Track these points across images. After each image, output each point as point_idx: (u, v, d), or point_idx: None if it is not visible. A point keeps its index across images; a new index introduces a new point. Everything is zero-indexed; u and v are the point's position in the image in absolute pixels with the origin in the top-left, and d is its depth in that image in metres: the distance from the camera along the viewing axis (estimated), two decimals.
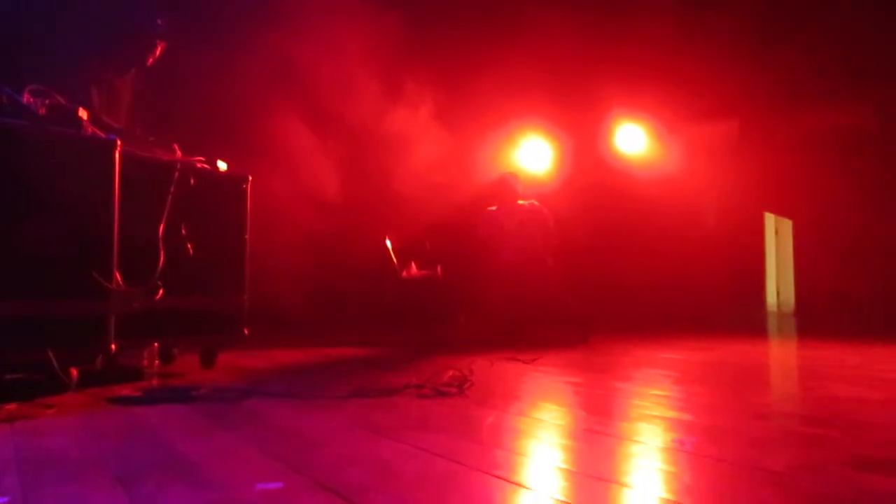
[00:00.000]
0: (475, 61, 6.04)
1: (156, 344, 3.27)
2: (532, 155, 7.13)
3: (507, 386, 2.90)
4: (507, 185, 5.36)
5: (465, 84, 6.11)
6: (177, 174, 3.07)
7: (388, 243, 5.67)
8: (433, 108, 5.83)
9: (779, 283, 9.59)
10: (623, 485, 1.52)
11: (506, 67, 6.01)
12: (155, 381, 2.97)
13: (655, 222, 7.27)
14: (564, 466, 1.67)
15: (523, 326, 5.02)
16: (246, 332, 3.38)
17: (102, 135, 2.78)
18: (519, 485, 1.52)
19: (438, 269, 5.67)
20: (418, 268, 5.71)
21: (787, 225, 9.48)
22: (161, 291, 2.94)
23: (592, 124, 7.12)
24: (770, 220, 9.54)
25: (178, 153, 3.20)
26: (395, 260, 5.67)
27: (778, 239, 9.69)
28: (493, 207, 5.41)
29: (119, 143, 2.75)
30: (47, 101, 2.65)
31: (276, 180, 5.20)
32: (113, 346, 2.70)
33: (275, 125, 5.25)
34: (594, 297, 6.45)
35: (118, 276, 2.73)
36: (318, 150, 5.49)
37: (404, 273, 5.66)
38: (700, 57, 6.38)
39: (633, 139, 7.11)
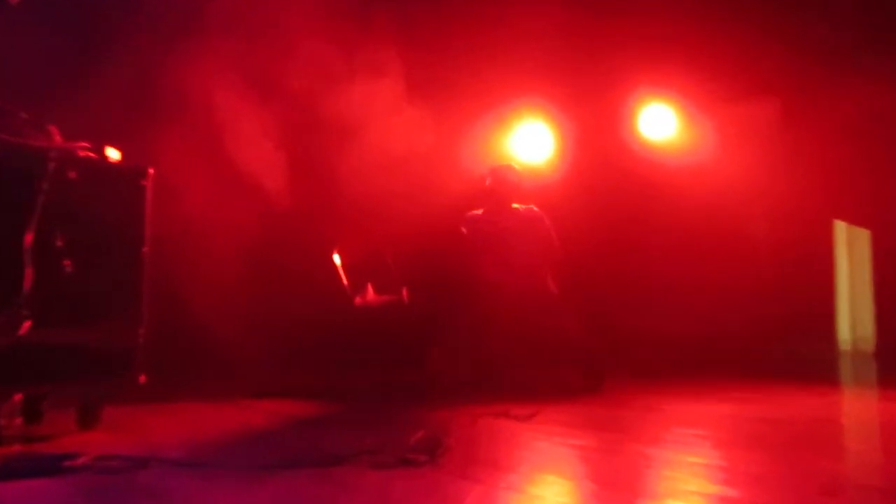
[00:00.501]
0: (463, 26, 6.07)
1: (17, 395, 3.20)
2: (530, 143, 7.16)
3: (495, 451, 2.90)
4: (500, 182, 5.39)
5: (450, 54, 6.12)
6: (51, 165, 3.03)
7: (337, 258, 5.64)
8: (406, 83, 5.85)
9: (853, 313, 9.66)
10: None
11: (501, 35, 6.04)
12: (16, 447, 2.91)
13: (690, 232, 7.27)
14: None
15: (516, 369, 5.04)
16: (142, 378, 3.34)
17: None
18: None
19: (404, 292, 5.64)
20: (378, 291, 5.67)
21: (864, 236, 9.56)
22: (26, 323, 2.89)
23: (609, 105, 7.15)
24: (841, 229, 9.62)
25: (56, 137, 3.16)
26: (345, 281, 5.63)
27: (852, 255, 9.77)
28: (478, 211, 5.42)
29: None
30: None
31: (195, 172, 5.18)
32: None
33: (194, 98, 5.24)
34: (609, 329, 6.44)
35: None
36: (254, 132, 5.48)
37: (358, 298, 5.61)
38: (745, 20, 6.46)
39: (660, 124, 7.15)
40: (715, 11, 6.46)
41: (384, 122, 5.82)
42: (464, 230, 5.40)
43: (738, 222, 7.39)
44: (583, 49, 6.63)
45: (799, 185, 7.37)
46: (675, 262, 7.32)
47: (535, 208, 5.40)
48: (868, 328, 9.06)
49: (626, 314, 7.03)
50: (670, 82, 6.97)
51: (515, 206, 5.38)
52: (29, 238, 2.94)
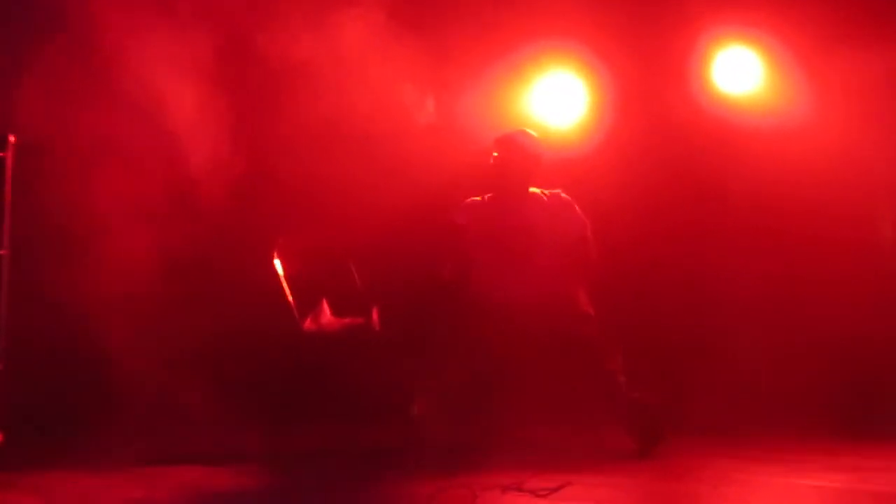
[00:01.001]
0: None
1: None
2: (557, 101, 7.09)
3: None
4: (512, 157, 5.40)
5: None
6: None
7: (279, 266, 5.67)
8: (386, 15, 5.85)
9: None
10: None
11: None
12: None
13: (781, 222, 7.21)
14: None
15: (533, 424, 5.15)
16: None
17: None
18: None
19: (374, 314, 5.67)
20: (337, 312, 5.70)
21: None
22: None
23: (669, 48, 7.12)
24: None
25: None
26: (290, 297, 5.66)
27: None
28: (482, 198, 5.46)
29: None
30: None
31: (80, 139, 5.18)
32: None
33: (79, 31, 5.24)
34: (668, 364, 6.49)
35: None
36: (168, 80, 5.48)
37: (309, 321, 5.64)
38: None
39: (741, 73, 7.12)
40: None
41: (351, 70, 5.84)
42: (460, 223, 5.43)
43: (849, 209, 7.22)
44: None
45: None
46: (759, 264, 7.20)
47: (563, 194, 5.45)
48: None
49: (689, 337, 6.99)
50: (755, 18, 6.98)
51: (535, 190, 5.42)
52: None
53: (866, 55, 6.92)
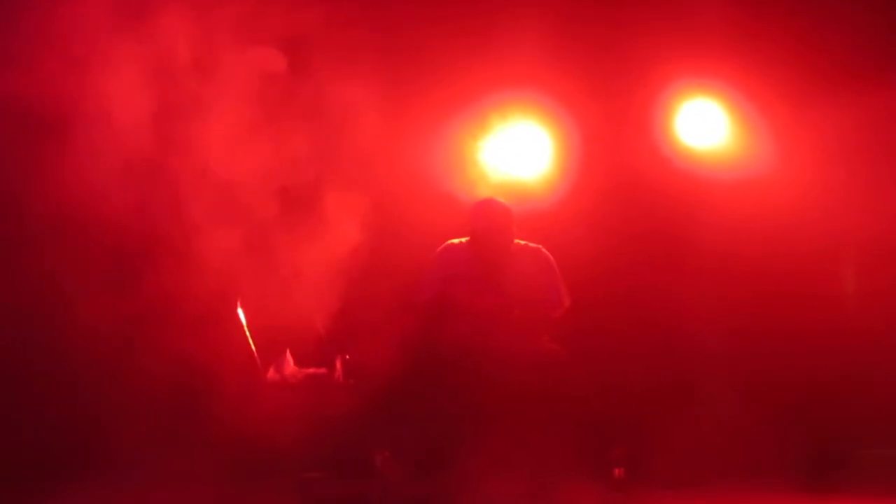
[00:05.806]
0: None
1: None
2: (521, 153, 7.37)
3: None
4: (489, 220, 5.69)
5: (410, 28, 6.57)
6: None
7: (241, 313, 5.84)
8: (347, 62, 6.14)
9: None
10: None
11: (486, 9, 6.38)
12: None
13: (747, 278, 7.40)
14: None
15: (498, 471, 5.15)
16: None
17: None
18: None
19: (338, 364, 5.87)
20: (300, 363, 5.89)
21: None
22: None
23: (633, 101, 7.44)
24: None
25: None
26: (253, 346, 5.82)
27: None
28: (461, 241, 5.77)
29: None
30: None
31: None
32: None
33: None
34: (633, 416, 6.78)
35: None
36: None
37: (272, 371, 5.82)
38: None
39: (705, 126, 7.45)
40: None
41: (312, 121, 6.09)
42: (434, 263, 5.74)
43: (813, 261, 7.45)
44: (597, 25, 7.07)
45: None
46: (724, 316, 7.46)
47: (544, 249, 5.80)
48: None
49: (654, 390, 7.16)
50: (719, 71, 7.29)
51: (519, 241, 5.76)
52: None
53: (830, 109, 7.17)
